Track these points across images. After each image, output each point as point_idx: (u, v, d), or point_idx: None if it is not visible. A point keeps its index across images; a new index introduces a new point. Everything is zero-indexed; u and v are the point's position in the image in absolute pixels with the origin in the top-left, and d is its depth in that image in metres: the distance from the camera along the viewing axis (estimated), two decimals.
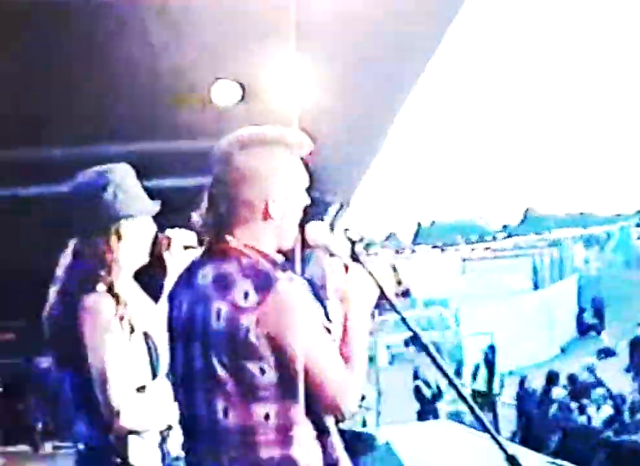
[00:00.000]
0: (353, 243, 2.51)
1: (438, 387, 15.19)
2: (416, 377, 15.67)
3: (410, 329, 2.37)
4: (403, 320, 2.41)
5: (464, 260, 31.82)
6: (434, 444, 6.94)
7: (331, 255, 2.53)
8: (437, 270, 29.71)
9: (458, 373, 15.98)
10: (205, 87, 8.94)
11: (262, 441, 2.33)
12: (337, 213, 10.51)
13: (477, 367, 15.53)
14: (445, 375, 2.27)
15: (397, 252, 37.26)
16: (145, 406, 3.05)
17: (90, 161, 3.34)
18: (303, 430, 2.37)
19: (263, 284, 2.30)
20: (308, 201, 2.52)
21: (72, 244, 3.15)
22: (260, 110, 9.08)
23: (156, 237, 3.29)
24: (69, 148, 8.25)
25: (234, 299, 2.30)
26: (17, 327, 9.01)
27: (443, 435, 7.60)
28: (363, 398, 14.31)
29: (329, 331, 2.42)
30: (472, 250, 37.85)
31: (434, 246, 43.45)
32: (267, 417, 2.33)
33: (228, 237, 2.40)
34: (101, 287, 3.01)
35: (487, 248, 37.69)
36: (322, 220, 9.43)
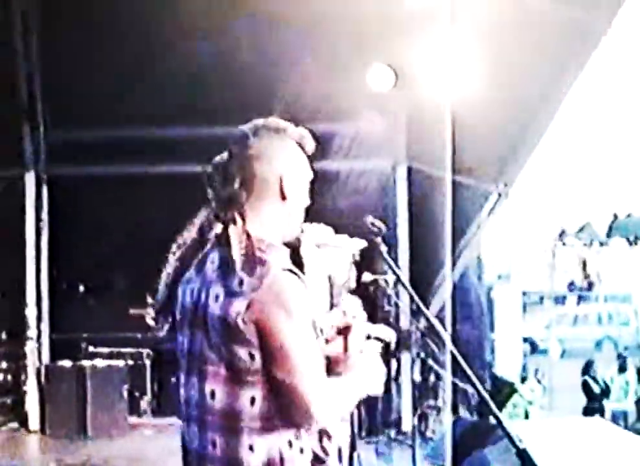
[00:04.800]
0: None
1: (605, 383, 14.71)
2: (585, 372, 15.19)
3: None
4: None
5: None
6: (566, 441, 6.72)
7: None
8: (624, 265, 28.55)
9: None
10: (360, 71, 9.01)
11: (245, 427, 2.38)
12: (495, 203, 10.27)
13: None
14: (454, 357, 2.24)
15: (585, 244, 36.07)
16: None
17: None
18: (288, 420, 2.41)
19: (258, 273, 2.37)
20: (308, 202, 2.63)
21: None
22: (413, 97, 9.06)
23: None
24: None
25: (230, 285, 2.40)
26: None
27: (582, 433, 7.33)
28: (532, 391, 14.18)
29: (322, 331, 2.50)
30: None
31: (627, 240, 41.63)
32: (252, 401, 2.38)
33: (237, 218, 2.46)
34: None
35: None
36: (481, 209, 9.05)
